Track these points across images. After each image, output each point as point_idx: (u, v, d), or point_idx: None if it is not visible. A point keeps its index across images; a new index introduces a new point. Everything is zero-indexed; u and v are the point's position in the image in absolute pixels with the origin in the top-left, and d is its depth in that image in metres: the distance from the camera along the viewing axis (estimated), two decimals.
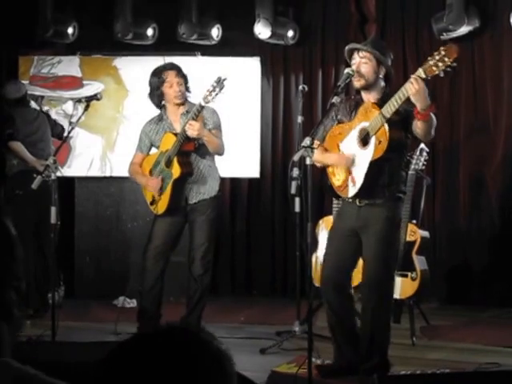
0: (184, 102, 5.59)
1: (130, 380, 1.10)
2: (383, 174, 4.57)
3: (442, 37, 7.08)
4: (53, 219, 5.10)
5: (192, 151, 5.52)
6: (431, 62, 4.15)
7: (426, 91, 4.21)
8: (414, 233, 5.95)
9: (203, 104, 5.29)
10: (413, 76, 4.22)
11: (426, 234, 6.11)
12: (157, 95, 5.57)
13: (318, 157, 4.60)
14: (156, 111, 5.72)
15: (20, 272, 1.33)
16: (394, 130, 4.44)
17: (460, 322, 6.59)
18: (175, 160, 5.47)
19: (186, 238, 5.73)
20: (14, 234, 1.38)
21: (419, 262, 5.91)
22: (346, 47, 4.71)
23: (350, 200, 4.66)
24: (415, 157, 5.87)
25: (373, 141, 4.47)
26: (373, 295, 4.57)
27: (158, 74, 5.57)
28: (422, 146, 5.82)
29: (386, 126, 4.41)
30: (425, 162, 5.94)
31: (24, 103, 6.85)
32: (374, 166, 4.50)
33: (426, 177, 6.35)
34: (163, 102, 5.63)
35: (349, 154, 4.61)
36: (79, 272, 7.72)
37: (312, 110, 7.67)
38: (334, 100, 4.42)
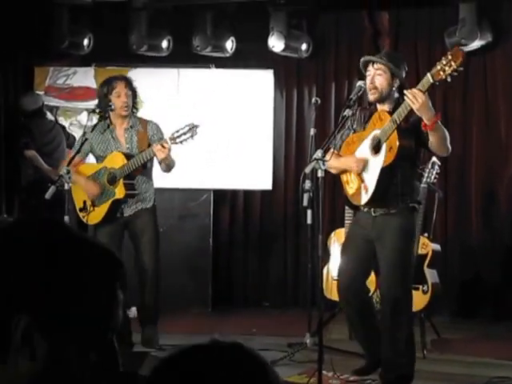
0: (129, 114, 5.64)
1: None
2: (395, 182, 4.60)
3: None
4: None
5: (137, 175, 5.61)
6: (438, 67, 4.19)
7: (428, 103, 4.24)
8: (426, 246, 5.96)
9: (169, 143, 5.33)
10: (410, 91, 4.24)
11: (437, 247, 6.12)
12: (104, 103, 5.57)
13: (334, 163, 4.64)
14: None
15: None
16: (403, 137, 4.49)
17: (471, 336, 6.57)
18: (121, 182, 5.53)
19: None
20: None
21: (431, 275, 5.92)
22: (362, 59, 4.75)
23: (366, 210, 4.69)
24: (427, 170, 5.88)
25: (384, 147, 4.51)
26: (388, 308, 4.58)
27: (108, 83, 5.62)
28: (434, 159, 5.82)
29: (396, 133, 4.45)
30: (437, 176, 5.94)
31: (40, 114, 6.91)
32: (385, 172, 4.53)
33: (438, 190, 6.35)
34: (110, 113, 5.61)
35: (363, 158, 4.66)
36: None
37: (325, 123, 7.67)
38: (345, 113, 4.47)
